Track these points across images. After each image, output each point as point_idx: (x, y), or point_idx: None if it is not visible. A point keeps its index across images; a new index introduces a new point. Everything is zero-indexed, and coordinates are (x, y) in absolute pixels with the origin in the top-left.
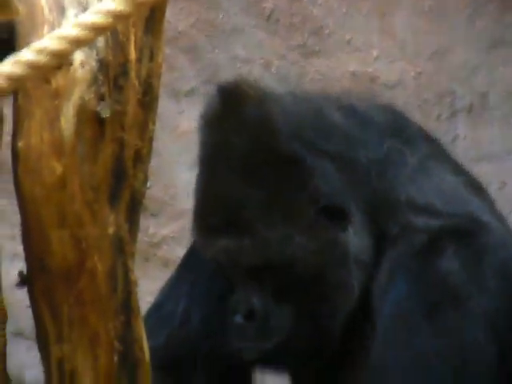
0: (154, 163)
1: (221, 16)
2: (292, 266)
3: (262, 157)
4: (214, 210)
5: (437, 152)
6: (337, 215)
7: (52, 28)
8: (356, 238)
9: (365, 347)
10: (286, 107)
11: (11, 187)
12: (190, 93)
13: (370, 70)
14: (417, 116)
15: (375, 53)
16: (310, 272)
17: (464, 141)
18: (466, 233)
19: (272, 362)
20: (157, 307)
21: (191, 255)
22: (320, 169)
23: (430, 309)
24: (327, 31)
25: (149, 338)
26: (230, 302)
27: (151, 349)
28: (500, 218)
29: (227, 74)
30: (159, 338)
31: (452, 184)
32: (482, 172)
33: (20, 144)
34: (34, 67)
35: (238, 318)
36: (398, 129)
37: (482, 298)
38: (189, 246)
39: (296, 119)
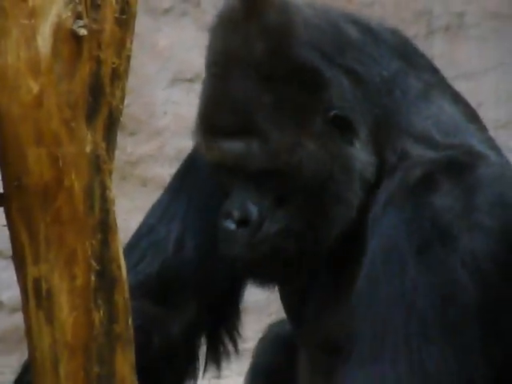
0: (131, 82)
1: None
2: (297, 173)
3: (280, 63)
4: (224, 112)
5: (439, 81)
6: (345, 127)
7: None
8: (361, 154)
9: (350, 272)
10: (306, 18)
11: None
12: (168, 11)
13: None
14: None
15: None
16: (314, 181)
17: (441, 59)
18: (461, 166)
19: (262, 272)
20: (149, 230)
21: (183, 176)
22: (335, 80)
23: (419, 245)
24: None
25: (140, 262)
26: (222, 208)
27: (144, 275)
28: (497, 149)
29: None
30: (153, 265)
31: (451, 113)
32: (459, 91)
33: None
34: None
35: (229, 224)
36: (407, 53)
37: (472, 237)
38: (180, 165)
39: (316, 31)
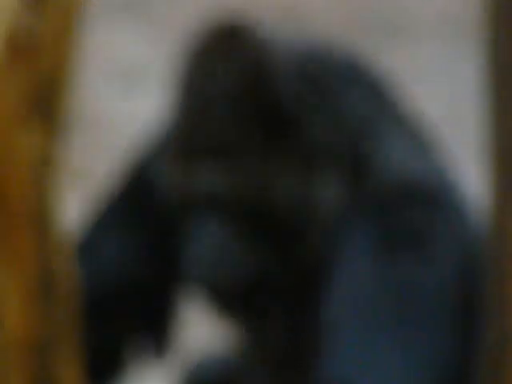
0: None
1: None
2: (273, 208)
3: (261, 101)
4: (206, 145)
5: (394, 103)
6: (324, 165)
7: None
8: (332, 192)
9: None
10: (285, 54)
11: None
12: None
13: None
14: None
15: None
16: (286, 217)
17: None
18: (432, 191)
19: (225, 298)
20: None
21: (126, 193)
22: (316, 119)
23: (392, 244)
24: None
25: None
26: (187, 237)
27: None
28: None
29: None
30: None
31: (416, 141)
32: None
33: None
34: None
35: (197, 248)
36: (367, 78)
37: (449, 243)
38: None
39: (295, 68)
